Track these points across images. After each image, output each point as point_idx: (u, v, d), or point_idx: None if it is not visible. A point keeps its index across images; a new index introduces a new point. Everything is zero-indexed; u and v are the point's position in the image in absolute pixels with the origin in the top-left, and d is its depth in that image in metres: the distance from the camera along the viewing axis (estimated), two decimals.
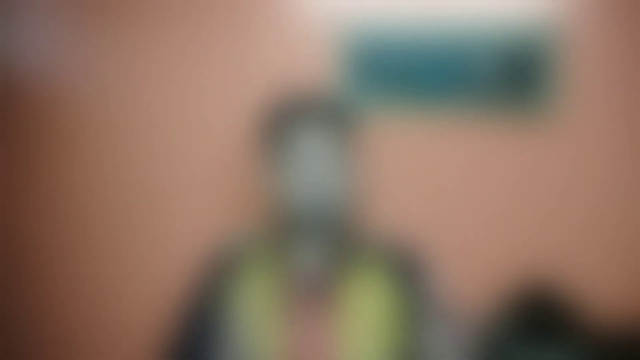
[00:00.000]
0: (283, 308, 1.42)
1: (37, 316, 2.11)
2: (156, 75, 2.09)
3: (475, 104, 2.03)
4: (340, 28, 2.05)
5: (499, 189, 2.05)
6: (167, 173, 2.08)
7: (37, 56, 2.10)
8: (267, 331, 1.41)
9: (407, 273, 1.47)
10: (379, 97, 2.04)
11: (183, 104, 2.08)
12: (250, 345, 1.41)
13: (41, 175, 2.11)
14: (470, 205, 2.05)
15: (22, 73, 2.10)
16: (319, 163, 1.41)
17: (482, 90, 2.03)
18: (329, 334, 1.40)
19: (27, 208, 2.11)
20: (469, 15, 2.03)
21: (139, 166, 2.09)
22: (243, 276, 1.47)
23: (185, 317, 1.50)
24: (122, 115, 2.09)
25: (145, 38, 2.09)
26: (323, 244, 1.45)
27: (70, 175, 2.10)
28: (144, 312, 2.08)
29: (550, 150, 2.04)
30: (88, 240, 2.10)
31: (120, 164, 2.09)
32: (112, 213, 2.09)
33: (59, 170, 2.10)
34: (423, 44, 2.03)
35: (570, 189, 2.05)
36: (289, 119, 1.44)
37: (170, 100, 2.09)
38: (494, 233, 2.04)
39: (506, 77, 2.02)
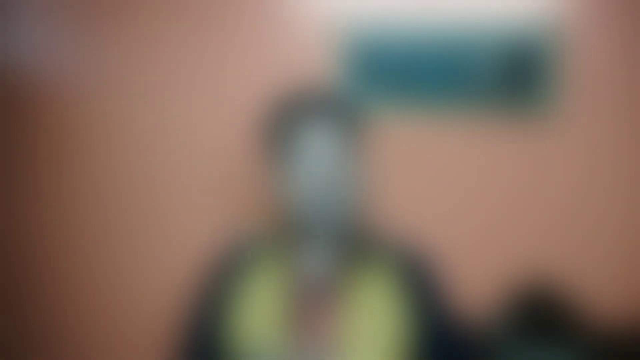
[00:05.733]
0: (289, 309, 1.42)
1: (42, 316, 2.11)
2: (158, 75, 2.09)
3: (477, 104, 2.04)
4: (343, 28, 2.05)
5: (500, 189, 2.05)
6: (172, 173, 2.08)
7: (36, 56, 2.10)
8: (273, 332, 1.41)
9: (413, 274, 1.47)
10: (381, 97, 2.04)
11: (186, 104, 2.08)
12: (256, 345, 1.41)
13: (44, 175, 2.11)
14: (471, 205, 2.05)
15: (22, 73, 2.10)
16: (324, 163, 1.41)
17: (483, 89, 2.03)
18: (334, 335, 1.40)
19: (29, 208, 2.11)
20: (471, 14, 2.03)
21: (143, 166, 2.09)
22: (249, 277, 1.47)
23: (191, 317, 1.50)
24: (124, 115, 2.09)
25: (146, 37, 2.09)
26: (328, 245, 1.45)
27: (73, 174, 2.10)
28: (149, 312, 2.08)
29: (552, 150, 2.05)
30: (93, 241, 2.10)
31: (124, 164, 2.09)
32: (117, 213, 2.09)
33: (61, 170, 2.10)
34: (425, 44, 2.03)
35: (570, 189, 2.05)
36: (293, 118, 1.44)
37: (174, 100, 2.09)
38: (495, 233, 2.05)
39: (507, 76, 2.03)
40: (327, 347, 1.40)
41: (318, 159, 1.41)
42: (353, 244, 1.48)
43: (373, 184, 1.53)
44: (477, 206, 2.05)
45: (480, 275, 2.03)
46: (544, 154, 2.05)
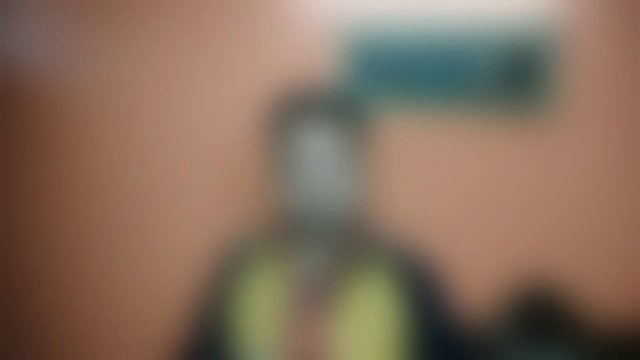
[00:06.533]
0: (287, 310, 1.42)
1: (42, 317, 2.11)
2: (158, 74, 2.08)
3: (478, 103, 2.03)
4: (344, 26, 2.05)
5: (501, 189, 2.05)
6: (172, 173, 2.08)
7: (36, 56, 2.10)
8: (271, 332, 1.41)
9: (413, 274, 1.47)
10: (382, 96, 2.03)
11: (187, 103, 2.08)
12: (255, 346, 1.41)
13: (43, 175, 2.10)
14: (471, 205, 2.05)
15: (22, 73, 2.10)
16: (324, 163, 1.40)
17: (484, 89, 2.03)
18: (331, 337, 1.40)
19: (28, 208, 2.11)
20: (472, 14, 2.03)
21: (143, 166, 2.08)
22: (248, 278, 1.47)
23: (190, 317, 1.50)
24: (124, 115, 2.09)
25: (146, 37, 2.08)
26: (328, 246, 1.45)
27: (72, 174, 2.10)
28: (149, 313, 2.08)
29: (553, 150, 2.04)
30: (93, 241, 2.09)
31: (124, 164, 2.09)
32: (116, 213, 2.09)
33: (61, 169, 2.10)
34: (427, 44, 2.03)
35: (572, 189, 2.05)
36: (294, 118, 1.44)
37: (174, 100, 2.08)
38: (496, 233, 2.04)
39: (509, 76, 2.02)
40: (326, 347, 1.40)
41: (319, 158, 1.41)
42: (353, 244, 1.48)
43: (374, 183, 1.52)
44: (478, 206, 2.05)
45: (480, 275, 2.03)
46: (545, 154, 2.04)
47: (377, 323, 1.41)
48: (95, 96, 2.09)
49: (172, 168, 2.08)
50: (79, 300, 2.10)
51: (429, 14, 2.04)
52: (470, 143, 2.05)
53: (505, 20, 2.03)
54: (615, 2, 2.04)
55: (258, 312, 1.43)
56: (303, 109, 1.44)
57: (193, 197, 2.07)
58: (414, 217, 2.04)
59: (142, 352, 2.07)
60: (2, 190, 2.11)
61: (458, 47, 2.03)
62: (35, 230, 2.11)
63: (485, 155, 2.05)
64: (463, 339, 1.48)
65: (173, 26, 2.08)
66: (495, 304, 2.00)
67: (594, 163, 2.04)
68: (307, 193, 1.40)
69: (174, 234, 2.08)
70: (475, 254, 2.04)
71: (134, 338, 2.08)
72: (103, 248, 2.09)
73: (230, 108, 2.07)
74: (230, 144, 2.08)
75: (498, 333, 1.90)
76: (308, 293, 1.43)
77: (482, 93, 2.03)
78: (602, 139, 2.04)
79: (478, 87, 2.03)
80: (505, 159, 2.05)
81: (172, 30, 2.08)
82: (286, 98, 1.48)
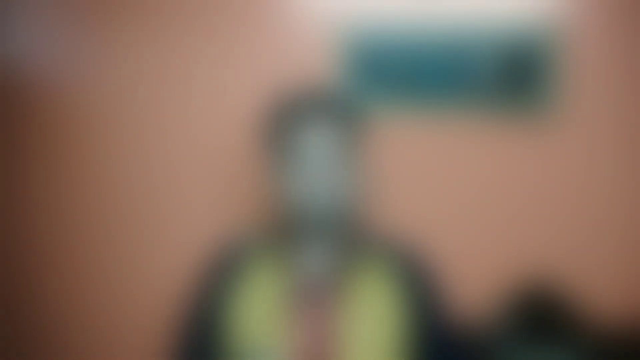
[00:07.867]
0: (287, 308, 1.42)
1: (41, 316, 2.11)
2: (158, 74, 2.09)
3: (478, 104, 2.03)
4: (344, 27, 2.05)
5: (500, 189, 2.05)
6: (171, 173, 2.08)
7: (36, 56, 2.10)
8: (271, 331, 1.41)
9: (413, 274, 1.47)
10: (381, 97, 2.04)
11: (186, 103, 2.08)
12: (254, 345, 1.41)
13: (43, 174, 2.11)
14: (470, 205, 2.05)
15: (21, 73, 2.10)
16: (324, 163, 1.41)
17: (484, 89, 2.03)
18: (332, 335, 1.40)
19: (28, 207, 2.11)
20: (472, 14, 2.03)
21: (143, 165, 2.09)
22: (247, 276, 1.47)
23: (189, 317, 1.50)
24: (124, 114, 2.09)
25: (145, 37, 2.09)
26: (327, 245, 1.45)
27: (72, 174, 2.10)
28: (149, 312, 2.08)
29: (552, 150, 2.04)
30: (92, 240, 2.10)
31: (123, 164, 2.09)
32: (115, 213, 2.09)
33: (61, 169, 2.10)
34: (426, 44, 2.03)
35: (571, 189, 2.05)
36: (294, 118, 1.44)
37: (174, 100, 2.09)
38: (495, 233, 2.04)
39: (508, 76, 2.03)
40: (325, 346, 1.40)
41: (318, 158, 1.41)
42: (352, 243, 1.48)
43: (373, 183, 1.53)
44: (477, 206, 2.05)
45: (479, 275, 2.03)
46: (544, 154, 2.04)
47: (377, 322, 1.41)
48: (95, 96, 2.09)
49: (172, 168, 2.08)
50: (78, 300, 2.10)
51: (429, 15, 2.04)
52: (469, 143, 2.05)
53: (504, 20, 2.03)
54: (615, 2, 2.04)
55: (258, 311, 1.43)
56: (302, 109, 1.44)
57: (193, 196, 2.08)
58: (413, 217, 2.04)
59: (142, 352, 2.07)
60: (2, 189, 2.12)
61: (457, 47, 2.03)
62: (36, 230, 2.11)
63: (485, 155, 2.05)
64: (463, 338, 1.48)
65: (173, 27, 2.08)
66: (495, 304, 2.00)
67: (593, 163, 2.04)
68: (306, 193, 1.40)
69: (175, 234, 2.08)
70: (475, 254, 2.04)
71: (135, 338, 2.08)
72: (103, 248, 2.09)
73: (229, 108, 2.07)
74: (229, 144, 2.08)
75: (498, 333, 1.90)
76: (308, 292, 1.44)
77: (481, 93, 2.03)
78: (602, 139, 2.04)
79: (477, 87, 2.03)
80: (504, 158, 2.05)
81: (172, 31, 2.08)
82: (285, 99, 1.48)
